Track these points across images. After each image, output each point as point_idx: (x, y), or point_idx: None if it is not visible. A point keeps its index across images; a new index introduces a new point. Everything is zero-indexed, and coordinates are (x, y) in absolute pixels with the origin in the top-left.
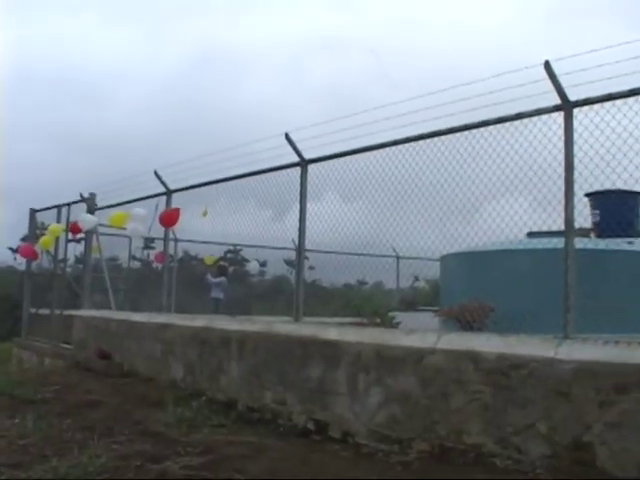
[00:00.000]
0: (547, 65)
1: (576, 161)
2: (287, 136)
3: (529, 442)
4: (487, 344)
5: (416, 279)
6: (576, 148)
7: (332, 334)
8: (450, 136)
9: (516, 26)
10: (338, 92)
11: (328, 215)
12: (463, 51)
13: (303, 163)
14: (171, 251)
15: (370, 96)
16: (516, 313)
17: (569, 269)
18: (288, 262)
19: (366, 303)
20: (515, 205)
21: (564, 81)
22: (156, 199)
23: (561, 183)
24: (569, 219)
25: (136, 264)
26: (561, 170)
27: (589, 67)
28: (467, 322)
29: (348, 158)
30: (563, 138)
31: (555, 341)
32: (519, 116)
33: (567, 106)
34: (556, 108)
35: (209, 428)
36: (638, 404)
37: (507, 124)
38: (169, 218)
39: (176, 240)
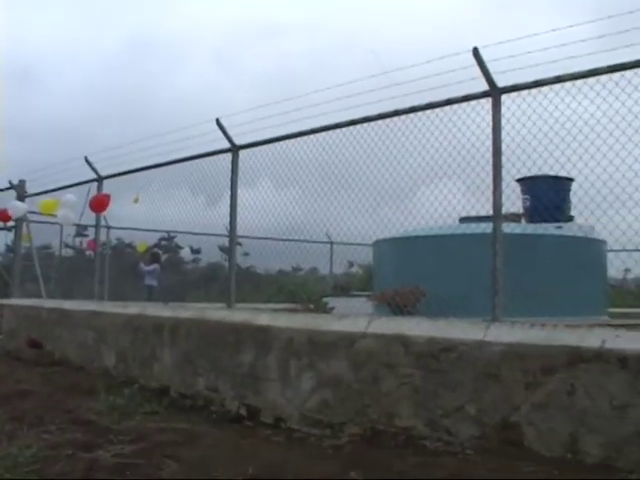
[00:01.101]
0: (475, 51)
1: (505, 147)
2: (218, 122)
3: (459, 424)
4: (417, 328)
5: (351, 265)
6: (504, 134)
7: (264, 320)
8: (380, 122)
9: (456, 11)
10: (277, 79)
11: (262, 201)
12: (401, 37)
13: (234, 149)
14: (104, 238)
15: (308, 82)
16: (448, 297)
17: (497, 253)
18: (222, 249)
19: (300, 289)
20: (444, 190)
21: (493, 67)
22: (87, 185)
23: (490, 169)
24: (497, 204)
25: (69, 252)
26: (490, 156)
27: (518, 54)
28: (399, 306)
29: (282, 144)
30: (491, 124)
31: (484, 324)
32: (448, 102)
33: (495, 92)
34: (484, 94)
35: (141, 416)
36: (564, 385)
37: (437, 110)
38: (99, 203)
39: (108, 227)
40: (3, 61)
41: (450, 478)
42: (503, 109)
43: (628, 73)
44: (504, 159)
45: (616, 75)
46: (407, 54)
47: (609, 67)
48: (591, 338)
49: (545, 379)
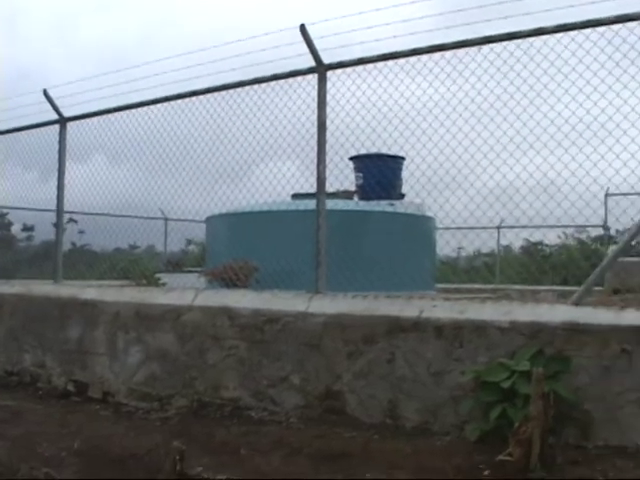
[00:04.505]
0: (303, 28)
1: (331, 124)
2: (45, 92)
3: (283, 394)
4: (242, 300)
5: (189, 242)
6: (329, 110)
7: (91, 294)
8: (209, 96)
9: None
10: (111, 52)
11: (97, 177)
12: (228, 15)
13: (62, 121)
14: None
15: (139, 56)
16: (279, 272)
17: (320, 227)
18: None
19: (133, 265)
20: (274, 169)
21: (321, 45)
22: None
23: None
24: (321, 178)
25: None
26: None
27: (344, 31)
28: (231, 281)
29: (116, 119)
30: (317, 100)
31: (307, 296)
32: (275, 77)
33: (321, 69)
34: (310, 70)
35: None
36: (384, 353)
37: (264, 85)
38: None
39: None
40: None
41: (272, 445)
42: (328, 85)
43: (447, 54)
44: (331, 136)
45: (436, 55)
46: (236, 31)
47: (429, 47)
48: (410, 308)
49: (366, 348)
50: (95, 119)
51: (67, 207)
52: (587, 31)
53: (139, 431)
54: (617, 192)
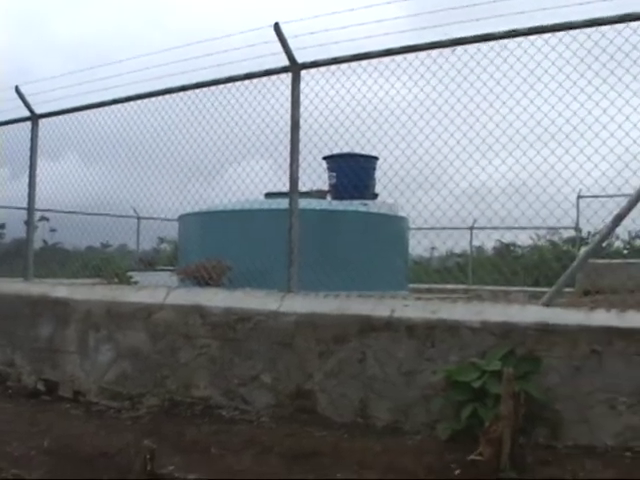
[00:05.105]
0: (277, 27)
1: (305, 124)
2: (17, 89)
3: (255, 392)
4: (214, 299)
5: (162, 241)
6: (303, 108)
7: (62, 292)
8: (182, 94)
9: None
10: (91, 49)
11: (69, 175)
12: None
13: (34, 117)
14: None
15: (116, 54)
16: (252, 271)
17: (293, 226)
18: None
19: (105, 264)
20: (247, 168)
21: (295, 44)
22: None
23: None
24: (294, 178)
25: None
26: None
27: (318, 31)
28: (204, 280)
29: (88, 117)
30: (290, 99)
31: (279, 295)
32: (248, 76)
33: (295, 68)
34: (284, 69)
35: None
36: (355, 353)
37: (238, 84)
38: None
39: None
40: None
41: (243, 444)
42: (303, 85)
43: (421, 54)
44: (305, 135)
45: (410, 56)
46: (215, 30)
47: (403, 48)
48: (381, 308)
49: (337, 347)
50: (68, 116)
51: (39, 205)
52: (560, 34)
53: (110, 430)
54: (589, 194)
